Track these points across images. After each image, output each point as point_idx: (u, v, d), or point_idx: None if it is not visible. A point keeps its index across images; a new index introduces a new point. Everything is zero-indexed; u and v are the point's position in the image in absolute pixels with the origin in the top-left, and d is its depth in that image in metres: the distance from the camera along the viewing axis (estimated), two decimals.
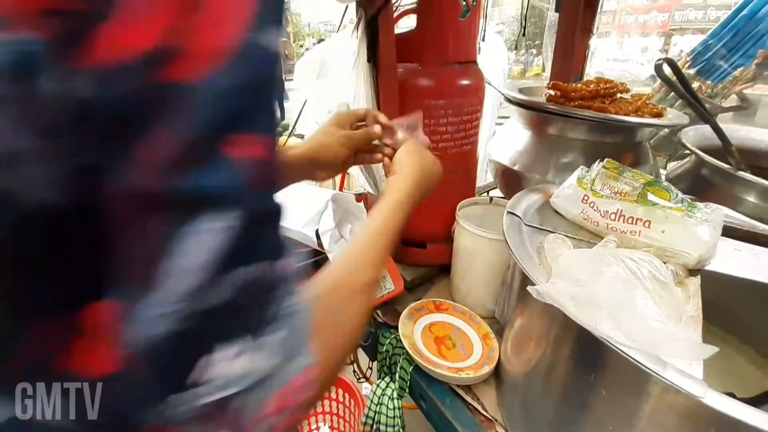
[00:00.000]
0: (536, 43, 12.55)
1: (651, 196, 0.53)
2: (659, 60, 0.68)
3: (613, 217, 0.55)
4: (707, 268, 0.51)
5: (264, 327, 0.23)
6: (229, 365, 0.21)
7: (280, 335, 0.23)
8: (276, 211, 0.23)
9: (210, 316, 0.20)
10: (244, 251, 0.21)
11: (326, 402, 1.24)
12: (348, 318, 0.34)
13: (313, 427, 1.23)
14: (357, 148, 0.61)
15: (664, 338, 0.37)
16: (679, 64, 1.94)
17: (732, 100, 2.21)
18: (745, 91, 2.08)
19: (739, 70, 1.75)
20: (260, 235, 0.22)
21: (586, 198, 0.60)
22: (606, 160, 0.63)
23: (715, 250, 0.49)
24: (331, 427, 1.21)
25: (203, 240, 0.19)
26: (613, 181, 0.58)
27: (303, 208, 0.73)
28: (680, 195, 0.53)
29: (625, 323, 0.38)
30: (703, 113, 0.71)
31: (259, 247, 0.22)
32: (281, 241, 0.24)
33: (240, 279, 0.21)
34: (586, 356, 0.45)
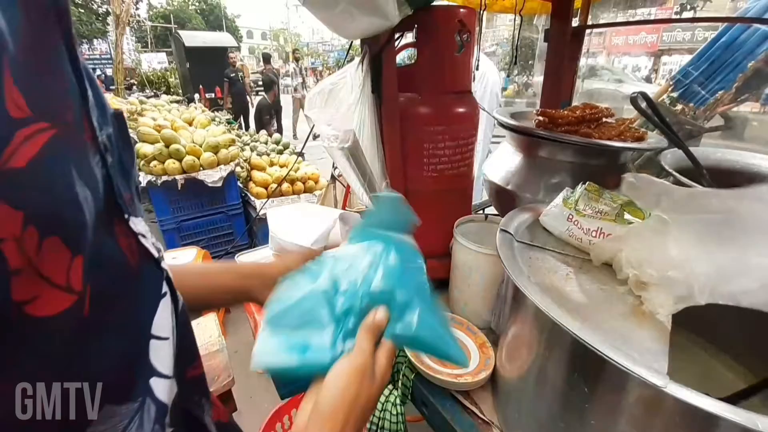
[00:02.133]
0: (530, 62, 12.90)
1: (627, 216, 0.60)
2: (634, 93, 0.75)
3: (594, 234, 0.61)
4: None
5: None
6: None
7: None
8: None
9: None
10: None
11: None
12: None
13: None
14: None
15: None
16: (663, 88, 2.05)
17: (716, 120, 2.32)
18: (734, 110, 2.19)
19: (720, 93, 1.85)
20: None
21: (570, 217, 0.66)
22: (588, 182, 0.70)
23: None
24: None
25: None
26: (594, 202, 0.64)
27: (312, 226, 0.79)
28: (653, 214, 0.60)
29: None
30: (674, 139, 0.78)
31: None
32: None
33: None
34: (571, 359, 0.50)
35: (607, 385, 0.45)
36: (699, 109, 1.88)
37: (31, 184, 0.22)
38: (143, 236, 0.32)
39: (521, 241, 0.67)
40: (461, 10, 0.86)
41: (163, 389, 0.32)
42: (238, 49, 10.41)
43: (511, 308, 0.67)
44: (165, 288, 0.34)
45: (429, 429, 0.75)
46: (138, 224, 0.32)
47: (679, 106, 1.93)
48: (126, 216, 0.31)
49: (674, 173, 0.87)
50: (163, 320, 0.33)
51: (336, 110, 0.83)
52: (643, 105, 0.74)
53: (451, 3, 1.38)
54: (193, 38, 7.94)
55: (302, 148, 1.01)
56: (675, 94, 1.94)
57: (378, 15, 0.72)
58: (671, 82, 1.97)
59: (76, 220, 0.25)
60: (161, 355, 0.32)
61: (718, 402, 0.36)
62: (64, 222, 0.25)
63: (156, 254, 0.34)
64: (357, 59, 0.87)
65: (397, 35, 0.86)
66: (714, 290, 0.46)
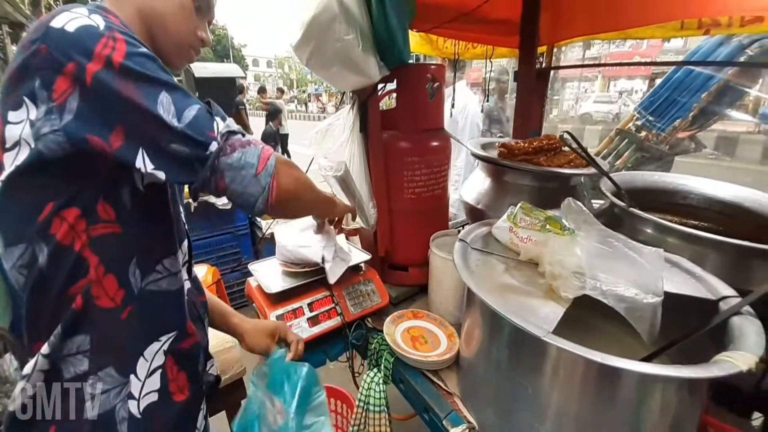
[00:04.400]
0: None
1: (548, 227, 0.78)
2: (563, 132, 0.95)
3: (525, 240, 0.80)
4: None
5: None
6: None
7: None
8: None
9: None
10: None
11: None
12: (303, 176, 0.64)
13: None
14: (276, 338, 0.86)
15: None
16: (629, 118, 2.27)
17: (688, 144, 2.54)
18: (731, 131, 2.42)
19: (678, 121, 2.07)
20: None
21: (511, 228, 0.85)
22: (521, 202, 0.89)
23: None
24: None
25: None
26: (527, 216, 0.83)
27: (315, 243, 0.99)
28: (567, 225, 0.78)
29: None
30: (599, 168, 0.98)
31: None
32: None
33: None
34: (499, 334, 0.68)
35: (520, 346, 0.63)
36: (660, 135, 2.09)
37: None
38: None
39: (474, 248, 0.86)
40: (432, 66, 1.08)
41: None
42: (245, 77, 10.91)
43: (466, 302, 0.85)
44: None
45: (414, 428, 0.90)
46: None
47: (644, 133, 2.15)
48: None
49: (607, 193, 1.06)
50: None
51: (332, 145, 1.04)
52: (573, 145, 0.94)
53: (427, 55, 1.61)
54: (203, 69, 8.37)
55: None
56: (639, 123, 2.17)
57: (363, 75, 0.93)
58: (635, 113, 2.19)
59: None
60: None
61: (575, 345, 0.53)
62: None
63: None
64: (348, 105, 1.08)
65: (380, 85, 1.08)
66: (595, 287, 0.65)
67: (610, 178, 0.97)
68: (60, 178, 0.50)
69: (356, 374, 1.07)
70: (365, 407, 0.92)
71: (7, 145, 0.48)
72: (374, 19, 0.89)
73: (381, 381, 0.92)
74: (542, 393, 0.62)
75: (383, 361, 0.93)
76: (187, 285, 0.68)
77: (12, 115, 0.48)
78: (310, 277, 1.01)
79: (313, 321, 0.95)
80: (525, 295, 0.69)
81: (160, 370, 0.59)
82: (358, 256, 1.10)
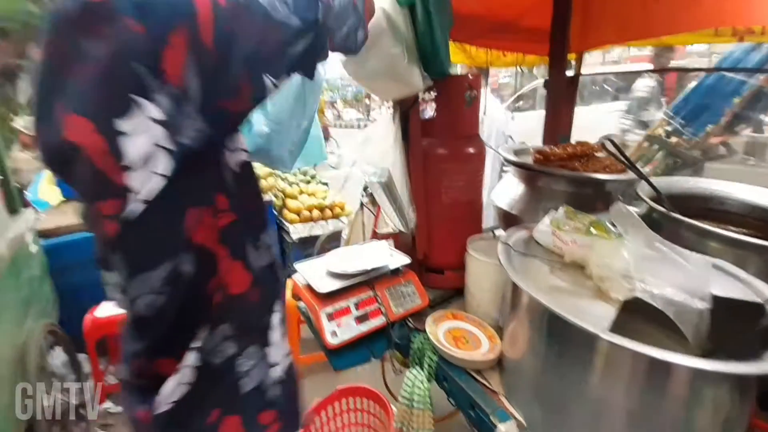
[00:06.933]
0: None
1: (593, 230, 0.81)
2: (603, 137, 0.98)
3: (570, 243, 0.83)
4: None
5: None
6: None
7: None
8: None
9: None
10: None
11: (360, 414, 1.45)
12: None
13: None
14: None
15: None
16: (659, 123, 2.26)
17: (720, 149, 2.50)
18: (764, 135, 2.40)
19: (710, 127, 2.05)
20: None
21: (554, 232, 0.88)
22: (565, 206, 0.91)
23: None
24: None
25: None
26: (570, 221, 0.86)
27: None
28: (612, 229, 0.81)
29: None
30: (640, 174, 1.00)
31: None
32: None
33: None
34: (550, 332, 0.71)
35: (572, 344, 0.66)
36: (692, 141, 2.07)
37: None
38: None
39: (517, 251, 0.89)
40: (469, 76, 1.13)
41: None
42: None
43: (511, 303, 0.87)
44: None
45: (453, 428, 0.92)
46: None
47: (674, 139, 2.13)
48: None
49: (645, 198, 1.08)
50: None
51: (374, 152, 1.09)
52: (615, 152, 0.96)
53: (463, 64, 1.66)
54: None
55: (344, 184, 1.27)
56: (669, 128, 2.15)
57: (408, 86, 0.98)
58: (665, 118, 2.18)
59: None
60: None
61: (634, 342, 0.56)
62: None
63: None
64: (391, 114, 1.13)
65: (421, 95, 1.12)
66: (644, 290, 0.67)
67: (651, 184, 0.99)
68: (194, 176, 0.47)
69: (398, 372, 1.11)
70: (410, 405, 0.95)
71: (128, 162, 0.41)
72: (419, 33, 0.94)
73: (425, 379, 0.96)
74: (594, 389, 0.65)
75: (426, 359, 0.97)
76: None
77: (123, 124, 0.39)
78: (355, 279, 1.06)
79: (360, 319, 1.00)
80: (574, 296, 0.72)
81: (284, 336, 0.66)
82: (400, 259, 1.14)
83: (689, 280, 0.69)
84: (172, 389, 0.51)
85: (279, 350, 0.63)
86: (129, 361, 0.54)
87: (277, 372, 0.62)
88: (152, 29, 0.38)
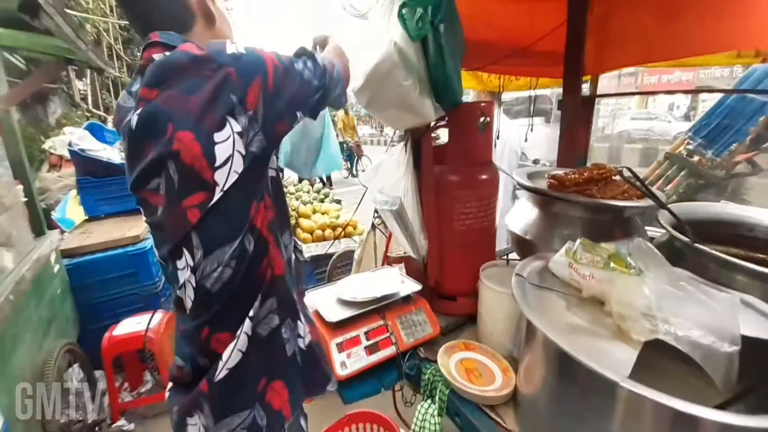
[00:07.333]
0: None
1: (612, 264, 0.78)
2: (620, 167, 0.96)
3: (587, 278, 0.80)
4: None
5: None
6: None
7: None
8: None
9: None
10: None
11: None
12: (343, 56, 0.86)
13: None
14: None
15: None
16: (679, 141, 2.20)
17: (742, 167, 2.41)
18: None
19: (734, 145, 1.98)
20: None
21: (571, 264, 0.85)
22: (581, 238, 0.89)
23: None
24: None
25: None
26: (588, 253, 0.83)
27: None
28: (632, 263, 0.78)
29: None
30: (659, 201, 0.96)
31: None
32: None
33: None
34: (568, 375, 0.68)
35: (590, 388, 0.63)
36: (715, 160, 2.01)
37: None
38: None
39: (532, 283, 0.87)
40: (482, 104, 1.12)
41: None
42: None
43: (526, 338, 0.85)
44: None
45: None
46: None
47: (696, 158, 2.07)
48: None
49: (667, 227, 1.04)
50: None
51: (386, 181, 1.09)
52: (634, 181, 0.94)
53: (475, 90, 1.66)
54: None
55: (355, 210, 1.27)
56: (691, 146, 2.09)
57: (419, 116, 0.99)
58: (686, 136, 2.12)
59: None
60: None
61: (655, 392, 0.53)
62: None
63: None
64: (402, 143, 1.14)
65: (433, 123, 1.13)
66: (668, 332, 0.64)
67: (672, 213, 0.96)
68: (256, 178, 0.66)
69: (408, 404, 1.08)
70: None
71: (218, 163, 0.59)
72: (431, 64, 0.95)
73: (435, 413, 0.93)
74: None
75: (438, 392, 0.94)
76: None
77: (218, 136, 0.59)
78: (365, 307, 1.05)
79: (370, 349, 0.98)
80: (593, 336, 0.69)
81: (306, 314, 0.82)
82: (411, 286, 1.13)
83: (716, 320, 0.66)
84: (229, 354, 0.65)
85: (303, 325, 0.80)
86: (191, 339, 0.67)
87: (302, 343, 0.78)
88: (243, 76, 0.60)
